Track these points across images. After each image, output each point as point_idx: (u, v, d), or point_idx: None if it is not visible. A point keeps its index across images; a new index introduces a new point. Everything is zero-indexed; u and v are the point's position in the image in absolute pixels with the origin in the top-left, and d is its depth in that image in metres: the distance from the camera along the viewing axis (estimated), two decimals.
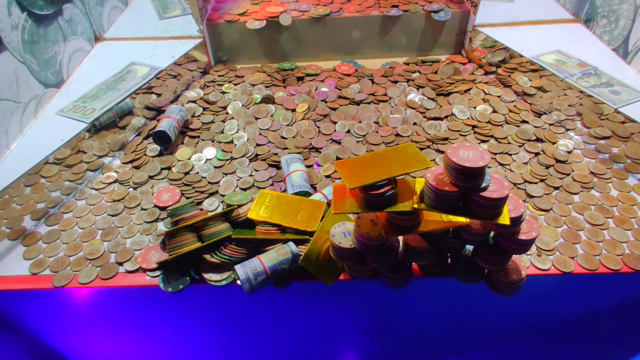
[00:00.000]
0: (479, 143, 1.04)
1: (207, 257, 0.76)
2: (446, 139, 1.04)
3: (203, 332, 1.03)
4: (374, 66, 1.33)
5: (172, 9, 1.46)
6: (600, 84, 1.06)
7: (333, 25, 1.32)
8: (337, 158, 1.01)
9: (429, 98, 1.17)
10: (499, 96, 1.16)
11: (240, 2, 1.39)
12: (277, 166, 0.99)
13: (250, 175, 0.97)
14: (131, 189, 0.96)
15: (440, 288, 0.85)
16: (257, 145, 1.05)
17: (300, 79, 1.28)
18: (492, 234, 0.68)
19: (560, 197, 0.90)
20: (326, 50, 1.37)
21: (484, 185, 0.57)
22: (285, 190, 0.91)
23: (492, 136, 1.05)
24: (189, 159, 1.02)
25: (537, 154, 1.00)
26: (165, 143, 1.04)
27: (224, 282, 0.76)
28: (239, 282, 0.73)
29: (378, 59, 1.38)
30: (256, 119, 1.13)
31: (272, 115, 1.14)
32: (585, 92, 1.04)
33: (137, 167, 1.01)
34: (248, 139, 1.07)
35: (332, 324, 1.02)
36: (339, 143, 1.05)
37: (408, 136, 1.06)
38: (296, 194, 0.87)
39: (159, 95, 1.16)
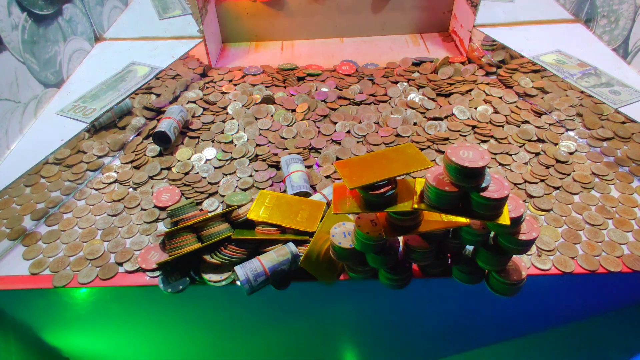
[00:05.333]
0: (479, 143, 1.04)
1: (207, 257, 0.76)
2: (446, 139, 1.04)
3: (203, 332, 1.03)
4: (369, 44, 1.46)
5: (172, 9, 1.46)
6: (600, 84, 1.05)
7: (329, 3, 1.44)
8: (337, 158, 1.01)
9: (429, 98, 1.17)
10: (500, 97, 1.16)
11: None
12: (277, 167, 0.99)
13: (250, 176, 0.97)
14: (131, 189, 0.96)
15: (440, 288, 0.85)
16: (257, 145, 1.05)
17: (301, 79, 1.28)
18: (492, 234, 0.68)
19: (560, 198, 0.90)
20: (322, 28, 1.49)
21: (484, 185, 0.57)
22: (285, 191, 0.90)
23: (492, 136, 1.05)
24: (189, 159, 1.02)
25: (537, 154, 1.00)
26: (165, 143, 1.04)
27: (223, 283, 0.76)
28: (238, 283, 0.73)
29: (372, 36, 1.50)
30: (256, 119, 1.13)
31: (272, 116, 1.14)
32: (586, 93, 1.04)
33: (137, 167, 1.01)
34: (248, 139, 1.07)
35: (332, 324, 1.02)
36: (339, 143, 1.05)
37: (408, 136, 1.06)
38: (296, 194, 0.87)
39: (158, 95, 1.16)
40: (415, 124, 1.10)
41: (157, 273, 0.78)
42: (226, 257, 0.76)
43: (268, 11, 1.44)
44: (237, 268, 0.73)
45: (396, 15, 1.47)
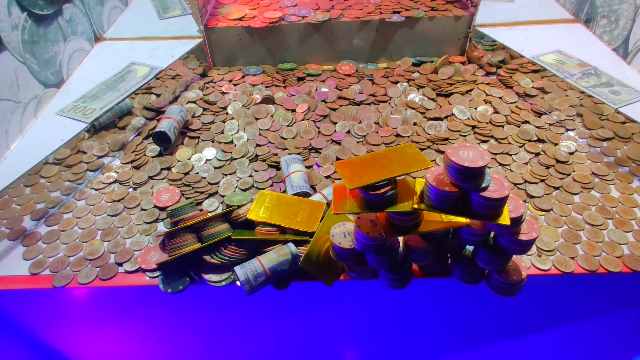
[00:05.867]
0: (479, 143, 1.04)
1: (207, 257, 0.76)
2: (446, 139, 1.04)
3: (202, 332, 1.03)
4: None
5: (172, 9, 1.46)
6: (600, 84, 1.05)
7: (333, 30, 1.30)
8: (337, 158, 1.01)
9: (429, 98, 1.17)
10: (500, 97, 1.16)
11: (239, 6, 1.39)
12: (277, 167, 0.99)
13: (250, 176, 0.97)
14: (131, 189, 0.96)
15: (440, 288, 0.85)
16: (257, 145, 1.05)
17: (301, 79, 1.28)
18: (492, 234, 0.68)
19: (560, 198, 0.90)
20: (326, 56, 1.35)
21: (484, 185, 0.57)
22: (285, 191, 0.90)
23: (492, 136, 1.05)
24: (189, 159, 1.02)
25: (537, 154, 1.00)
26: (165, 144, 1.04)
27: (223, 283, 0.76)
28: (238, 283, 0.73)
29: (380, 64, 1.35)
30: (256, 119, 1.13)
31: (272, 116, 1.14)
32: (586, 93, 1.04)
33: (137, 167, 1.01)
34: (248, 139, 1.07)
35: (332, 324, 1.02)
36: (339, 143, 1.05)
37: (408, 136, 1.06)
38: (296, 194, 0.87)
39: (158, 95, 1.16)
40: (415, 124, 1.10)
41: (157, 273, 0.78)
42: (226, 257, 0.76)
43: (263, 39, 1.30)
44: (237, 268, 0.73)
45: (404, 41, 1.32)
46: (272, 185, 0.95)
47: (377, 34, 1.31)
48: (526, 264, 0.78)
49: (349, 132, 1.08)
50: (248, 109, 1.16)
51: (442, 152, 1.01)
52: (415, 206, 0.60)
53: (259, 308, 0.92)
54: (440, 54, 1.34)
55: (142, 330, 1.02)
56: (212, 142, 1.07)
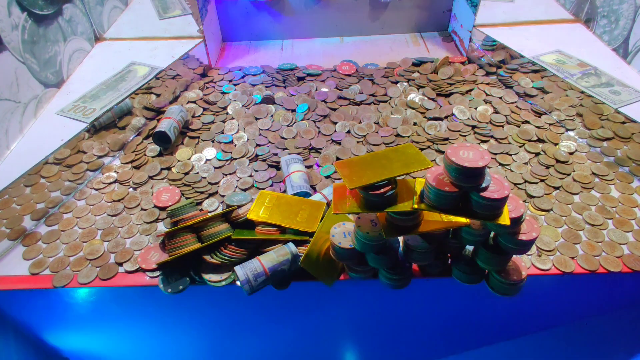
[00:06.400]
0: (479, 143, 1.04)
1: (207, 257, 0.76)
2: (446, 139, 1.04)
3: (203, 332, 1.03)
4: (369, 44, 1.48)
5: (172, 9, 1.46)
6: (600, 84, 1.05)
7: (328, 2, 1.46)
8: (337, 158, 1.01)
9: (429, 98, 1.17)
10: (500, 97, 1.16)
11: None
12: (277, 167, 0.99)
13: (250, 176, 0.97)
14: (131, 189, 0.96)
15: (440, 288, 0.85)
16: (257, 145, 1.05)
17: (301, 79, 1.28)
18: (492, 234, 0.68)
19: (560, 197, 0.90)
20: (322, 27, 1.52)
21: (484, 185, 0.57)
22: (285, 191, 0.90)
23: (492, 136, 1.05)
24: (189, 159, 1.02)
25: (537, 154, 1.00)
26: (165, 144, 1.04)
27: (223, 283, 0.76)
28: (238, 283, 0.73)
29: (372, 35, 1.53)
30: (256, 119, 1.13)
31: (272, 116, 1.14)
32: (586, 93, 1.04)
33: (137, 167, 1.01)
34: (248, 139, 1.07)
35: (332, 324, 1.02)
36: (339, 143, 1.05)
37: (408, 136, 1.06)
38: (296, 194, 0.87)
39: (158, 95, 1.16)
40: (415, 124, 1.10)
41: (157, 273, 0.78)
42: (226, 257, 0.76)
43: (268, 11, 1.46)
44: (237, 268, 0.73)
45: (395, 14, 1.49)
46: (272, 185, 0.95)
47: (371, 8, 1.48)
48: (526, 264, 0.78)
49: (349, 132, 1.08)
50: (248, 109, 1.16)
51: (442, 152, 1.01)
52: (415, 206, 0.60)
53: (259, 308, 0.92)
54: (426, 25, 1.53)
55: (142, 330, 1.02)
56: (212, 142, 1.07)
